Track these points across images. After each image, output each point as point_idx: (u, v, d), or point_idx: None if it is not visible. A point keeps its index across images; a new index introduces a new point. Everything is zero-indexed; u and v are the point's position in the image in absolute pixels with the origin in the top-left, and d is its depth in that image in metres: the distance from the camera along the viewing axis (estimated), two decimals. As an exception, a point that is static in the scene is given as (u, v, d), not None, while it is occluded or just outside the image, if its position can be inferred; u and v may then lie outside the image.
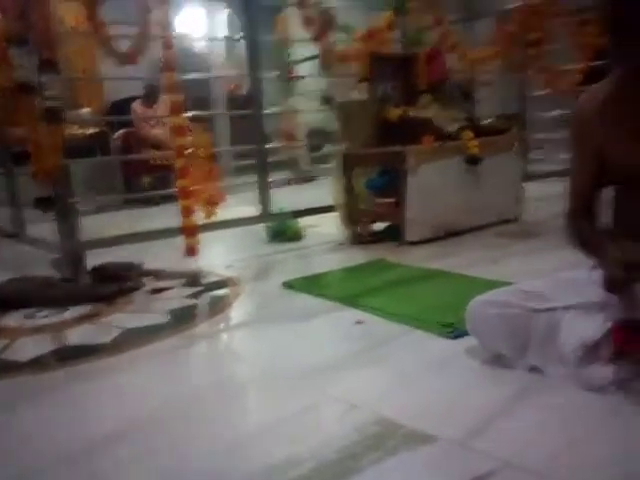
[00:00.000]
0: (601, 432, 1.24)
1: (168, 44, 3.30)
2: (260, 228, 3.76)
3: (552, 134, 4.72)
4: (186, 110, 3.50)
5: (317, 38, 3.92)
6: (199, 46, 8.07)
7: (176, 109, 3.39)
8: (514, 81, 5.09)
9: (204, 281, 2.83)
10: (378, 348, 1.83)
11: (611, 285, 1.37)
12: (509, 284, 1.81)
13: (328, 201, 3.67)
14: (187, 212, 3.38)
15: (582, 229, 1.56)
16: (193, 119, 3.84)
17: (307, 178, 7.27)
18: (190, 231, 3.39)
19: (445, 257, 2.94)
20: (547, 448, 1.17)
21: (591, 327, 1.39)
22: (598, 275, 1.41)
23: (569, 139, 1.61)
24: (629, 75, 1.45)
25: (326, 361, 1.75)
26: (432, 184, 3.29)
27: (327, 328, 2.10)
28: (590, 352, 1.38)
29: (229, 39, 7.47)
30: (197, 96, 6.45)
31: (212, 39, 8.57)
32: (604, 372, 1.37)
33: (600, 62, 4.53)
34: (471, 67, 4.36)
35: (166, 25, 3.30)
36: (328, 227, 3.75)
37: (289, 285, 2.61)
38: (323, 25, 3.90)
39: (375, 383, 1.58)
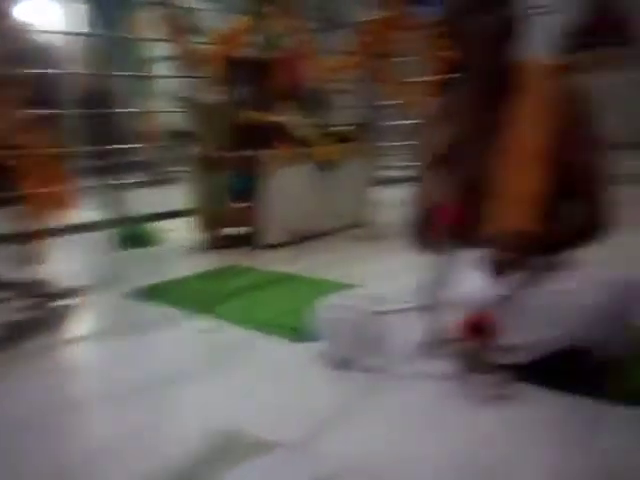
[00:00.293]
0: (443, 429, 1.29)
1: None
2: (111, 233, 3.59)
3: (402, 142, 4.97)
4: (30, 106, 3.25)
5: (174, 39, 3.83)
6: (50, 40, 7.55)
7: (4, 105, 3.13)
8: (368, 90, 5.31)
9: (46, 291, 2.64)
10: (226, 356, 1.82)
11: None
12: (359, 286, 1.88)
13: (186, 204, 3.59)
14: (30, 215, 3.14)
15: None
16: (38, 117, 3.58)
17: (166, 180, 7.07)
18: (33, 236, 3.16)
19: (299, 261, 2.99)
20: (389, 449, 1.22)
21: (430, 325, 1.46)
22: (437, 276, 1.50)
23: (418, 150, 1.71)
24: (464, 86, 1.58)
25: (171, 372, 1.71)
26: (287, 189, 3.34)
27: (174, 337, 2.04)
28: (429, 349, 1.46)
29: (84, 35, 7.07)
30: (43, 92, 6.02)
31: (65, 34, 8.06)
32: (443, 368, 1.45)
33: (453, 75, 4.85)
34: (328, 75, 4.48)
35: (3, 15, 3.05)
36: (185, 231, 3.67)
37: (136, 293, 2.51)
38: (180, 26, 3.82)
39: (221, 392, 1.56)
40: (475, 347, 1.39)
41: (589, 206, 1.48)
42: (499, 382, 1.38)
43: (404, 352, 1.49)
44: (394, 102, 5.05)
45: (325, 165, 3.50)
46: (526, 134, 1.47)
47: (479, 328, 1.38)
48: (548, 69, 1.51)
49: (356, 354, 1.56)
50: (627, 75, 7.69)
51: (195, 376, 1.67)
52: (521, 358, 1.40)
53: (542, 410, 1.34)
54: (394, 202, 4.08)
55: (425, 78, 5.12)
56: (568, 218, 1.51)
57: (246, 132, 3.46)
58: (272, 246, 3.27)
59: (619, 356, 1.40)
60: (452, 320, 1.42)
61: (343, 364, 1.59)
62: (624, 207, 1.54)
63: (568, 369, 1.38)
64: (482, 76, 1.53)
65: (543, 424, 1.29)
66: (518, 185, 1.47)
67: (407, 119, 5.12)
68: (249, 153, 3.29)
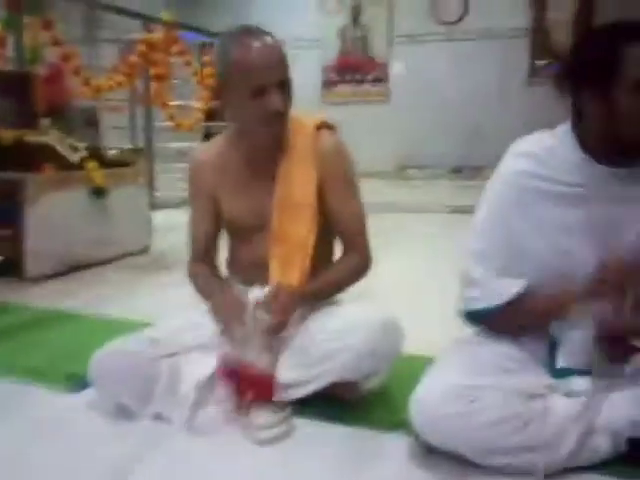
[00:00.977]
0: (227, 474, 1.32)
1: None
2: None
3: (178, 164, 4.93)
4: None
5: None
6: None
7: None
8: (142, 112, 5.16)
9: None
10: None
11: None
12: (143, 323, 1.81)
13: None
14: None
15: (199, 274, 1.66)
16: None
17: None
18: None
19: (74, 295, 2.77)
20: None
21: (205, 368, 1.47)
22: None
23: (188, 188, 1.71)
24: (234, 134, 1.62)
25: None
26: (55, 215, 3.09)
27: None
28: (206, 393, 1.47)
29: None
30: None
31: None
32: (218, 412, 1.47)
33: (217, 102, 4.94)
34: (96, 94, 4.26)
35: None
36: None
37: None
38: None
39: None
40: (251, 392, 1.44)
41: (354, 250, 1.62)
42: (278, 420, 1.44)
43: (189, 396, 1.46)
44: (168, 124, 5.00)
45: (97, 191, 3.31)
46: (295, 185, 1.57)
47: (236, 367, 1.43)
48: (314, 125, 1.62)
49: (138, 402, 1.49)
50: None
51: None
52: (297, 394, 1.47)
53: (320, 443, 1.43)
54: (172, 226, 4.03)
55: (195, 103, 5.16)
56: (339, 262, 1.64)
57: (4, 153, 3.12)
58: (41, 278, 2.99)
59: (385, 387, 1.56)
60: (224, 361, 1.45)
61: (122, 414, 1.50)
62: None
63: (339, 400, 1.50)
64: (256, 142, 1.57)
65: (322, 457, 1.38)
66: (290, 233, 1.56)
67: (181, 141, 5.11)
68: (10, 176, 2.99)
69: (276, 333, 1.46)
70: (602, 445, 1.29)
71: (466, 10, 8.19)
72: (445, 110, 8.18)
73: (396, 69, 8.62)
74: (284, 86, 1.49)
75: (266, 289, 1.52)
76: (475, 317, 1.42)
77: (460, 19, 8.23)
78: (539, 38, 7.76)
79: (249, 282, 1.62)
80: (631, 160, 1.29)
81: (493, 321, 1.40)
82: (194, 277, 1.68)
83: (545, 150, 1.35)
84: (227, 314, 1.49)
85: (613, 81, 1.22)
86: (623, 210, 1.29)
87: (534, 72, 7.74)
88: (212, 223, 1.68)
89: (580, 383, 1.32)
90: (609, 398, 1.30)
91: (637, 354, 1.30)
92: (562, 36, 7.44)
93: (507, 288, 1.34)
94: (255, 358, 1.42)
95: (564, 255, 1.31)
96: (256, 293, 1.55)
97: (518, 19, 7.83)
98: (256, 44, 1.46)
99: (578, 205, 1.31)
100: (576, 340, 1.31)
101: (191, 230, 1.71)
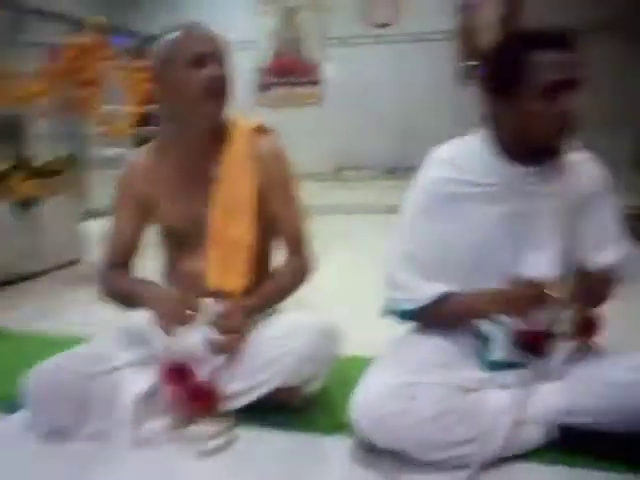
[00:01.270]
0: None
1: None
2: None
3: (112, 171, 4.79)
4: None
5: None
6: None
7: None
8: (72, 119, 5.00)
9: None
10: None
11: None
12: (77, 339, 1.75)
13: None
14: None
15: (120, 278, 1.62)
16: None
17: None
18: None
19: (2, 311, 2.66)
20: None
21: (144, 383, 1.45)
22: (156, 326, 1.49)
23: (115, 194, 1.67)
24: (170, 137, 1.59)
25: None
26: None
27: None
28: (146, 407, 1.44)
29: None
30: None
31: None
32: (159, 426, 1.44)
33: (151, 107, 4.84)
34: (20, 100, 4.09)
35: None
36: None
37: None
38: None
39: None
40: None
41: (296, 255, 1.64)
42: (221, 430, 1.44)
43: (127, 412, 1.43)
44: (99, 131, 4.86)
45: (25, 202, 3.19)
46: (234, 188, 1.57)
47: (180, 375, 1.43)
48: (252, 128, 1.62)
49: (75, 421, 1.44)
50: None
51: None
52: (241, 403, 1.48)
53: (263, 451, 1.43)
54: (104, 237, 3.91)
55: (127, 108, 5.03)
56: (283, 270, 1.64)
57: None
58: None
59: (327, 390, 1.57)
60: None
61: (59, 434, 1.45)
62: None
63: (281, 406, 1.51)
64: (197, 129, 1.55)
65: (264, 465, 1.38)
66: (229, 236, 1.55)
67: (111, 148, 4.97)
68: None
69: (228, 351, 1.46)
70: (535, 434, 1.35)
71: (397, 13, 8.35)
72: (379, 112, 8.31)
73: (330, 71, 8.69)
74: (223, 64, 1.50)
75: (216, 307, 1.51)
76: (399, 316, 1.47)
77: (391, 22, 8.38)
78: (468, 41, 7.99)
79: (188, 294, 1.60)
80: (541, 159, 1.37)
81: (416, 320, 1.45)
82: (112, 282, 1.62)
83: (462, 155, 1.42)
84: (165, 310, 1.46)
85: (521, 87, 1.30)
86: (536, 206, 1.37)
87: (464, 74, 7.96)
88: (135, 232, 1.65)
89: (512, 375, 1.37)
90: (540, 388, 1.36)
91: (555, 346, 1.36)
92: (490, 38, 7.68)
93: (429, 290, 1.39)
94: (201, 370, 1.42)
95: (485, 253, 1.37)
96: (205, 308, 1.53)
97: (448, 22, 8.05)
98: (195, 26, 1.52)
99: (496, 204, 1.38)
100: (505, 334, 1.37)
101: (112, 237, 1.67)
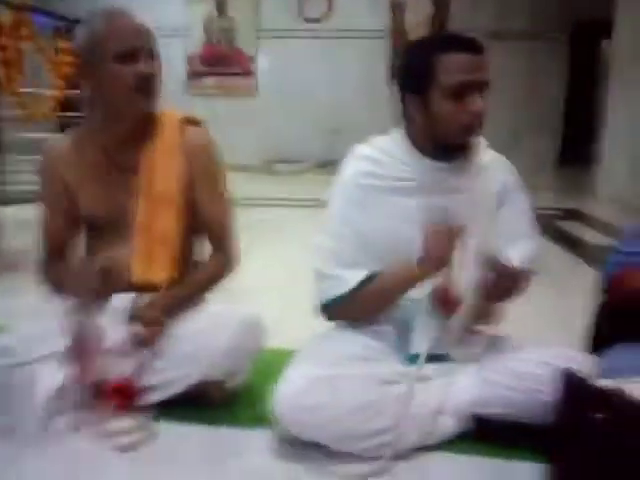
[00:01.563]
0: None
1: None
2: None
3: (31, 156, 4.59)
4: None
5: None
6: None
7: None
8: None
9: None
10: None
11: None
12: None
13: None
14: None
15: (57, 269, 1.57)
16: None
17: None
18: None
19: None
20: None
21: (60, 377, 1.41)
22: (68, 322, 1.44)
23: (39, 182, 1.61)
24: (95, 124, 1.55)
25: None
26: None
27: None
28: (62, 402, 1.40)
29: None
30: None
31: None
32: (75, 420, 1.41)
33: (73, 91, 4.66)
34: None
35: None
36: None
37: None
38: None
39: None
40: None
41: (220, 250, 1.63)
42: (139, 425, 1.42)
43: (42, 406, 1.38)
44: (17, 113, 4.64)
45: None
46: (160, 179, 1.54)
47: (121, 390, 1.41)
48: (181, 119, 1.60)
49: None
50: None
51: None
52: (158, 397, 1.47)
53: (183, 446, 1.42)
54: (23, 223, 3.73)
55: (48, 91, 4.83)
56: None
57: None
58: None
59: (250, 383, 1.59)
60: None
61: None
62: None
63: (204, 400, 1.52)
64: (125, 121, 1.51)
65: (184, 460, 1.37)
66: (154, 228, 1.53)
67: (31, 132, 4.75)
68: None
69: (150, 344, 1.44)
70: (449, 425, 1.40)
71: (330, 9, 8.39)
72: (311, 106, 8.35)
73: (263, 64, 8.64)
74: (153, 58, 1.47)
75: (135, 300, 1.49)
76: (330, 308, 1.49)
77: (324, 18, 8.42)
78: (398, 40, 8.14)
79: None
80: (451, 156, 1.44)
81: (346, 308, 1.48)
82: (50, 274, 1.57)
83: (380, 151, 1.48)
84: (85, 284, 1.42)
85: (429, 87, 1.36)
86: (448, 199, 1.43)
87: (394, 71, 8.11)
88: (65, 220, 1.59)
89: (431, 368, 1.42)
90: (456, 380, 1.42)
91: (461, 310, 1.42)
92: (419, 37, 7.88)
93: (354, 276, 1.43)
94: (119, 366, 1.39)
95: (404, 243, 1.41)
96: (122, 302, 1.50)
97: (380, 20, 8.17)
98: (123, 15, 1.46)
99: (412, 196, 1.44)
100: (425, 327, 1.42)
101: (43, 227, 1.61)
